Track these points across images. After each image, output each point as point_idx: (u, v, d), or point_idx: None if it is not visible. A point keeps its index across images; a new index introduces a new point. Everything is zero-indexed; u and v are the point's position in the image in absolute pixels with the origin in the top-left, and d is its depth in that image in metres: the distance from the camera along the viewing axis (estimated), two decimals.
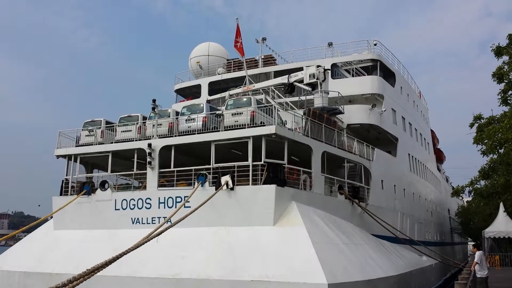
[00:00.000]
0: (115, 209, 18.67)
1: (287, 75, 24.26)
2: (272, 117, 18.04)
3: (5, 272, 18.62)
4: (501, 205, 29.98)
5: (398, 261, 20.16)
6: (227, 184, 16.44)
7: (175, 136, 18.83)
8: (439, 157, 49.70)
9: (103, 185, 19.48)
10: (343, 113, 23.82)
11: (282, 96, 25.54)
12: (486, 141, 16.62)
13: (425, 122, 39.97)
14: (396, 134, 28.02)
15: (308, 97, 24.04)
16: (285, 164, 17.02)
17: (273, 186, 16.03)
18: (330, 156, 19.57)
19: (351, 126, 24.80)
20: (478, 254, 16.25)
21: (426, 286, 24.29)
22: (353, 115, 24.80)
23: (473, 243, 21.10)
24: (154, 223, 17.26)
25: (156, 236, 12.02)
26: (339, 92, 24.12)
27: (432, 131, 44.33)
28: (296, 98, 24.88)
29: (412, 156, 31.38)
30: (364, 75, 27.88)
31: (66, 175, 21.02)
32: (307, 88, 23.73)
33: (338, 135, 21.00)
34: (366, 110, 25.19)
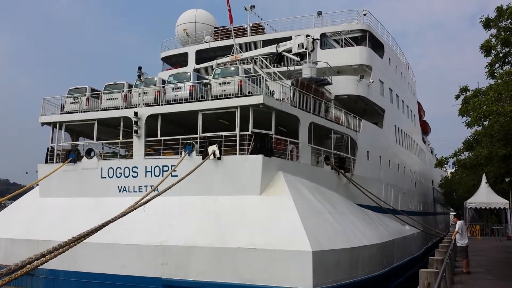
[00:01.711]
0: (101, 177, 18.63)
1: (275, 45, 23.98)
2: (260, 87, 17.93)
3: None
4: (484, 176, 30.62)
5: (381, 230, 20.61)
6: (214, 153, 16.46)
7: (162, 105, 18.65)
8: (425, 129, 50.23)
9: (89, 153, 19.35)
10: (331, 84, 23.76)
11: (270, 66, 25.34)
12: (471, 113, 16.74)
13: (412, 94, 40.15)
14: (383, 106, 28.13)
15: (297, 67, 23.88)
16: (272, 135, 17.05)
17: (260, 156, 16.09)
18: (317, 127, 19.63)
19: (338, 97, 24.79)
20: (459, 223, 16.68)
21: (408, 254, 24.95)
22: (341, 86, 24.75)
23: (455, 213, 21.59)
24: (141, 192, 17.28)
25: (143, 204, 12.09)
26: (327, 63, 23.97)
27: (418, 103, 44.60)
28: (284, 68, 24.70)
29: (398, 128, 31.64)
30: (353, 45, 27.69)
31: (51, 143, 20.81)
32: (295, 58, 23.53)
33: (326, 106, 21.02)
34: (354, 81, 25.14)
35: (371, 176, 24.30)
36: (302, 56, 22.94)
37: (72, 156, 19.48)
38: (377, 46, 29.12)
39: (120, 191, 18.15)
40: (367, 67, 26.68)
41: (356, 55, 26.65)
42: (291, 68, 24.36)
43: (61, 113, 20.94)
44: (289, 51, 23.29)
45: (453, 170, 54.69)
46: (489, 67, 17.10)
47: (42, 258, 7.51)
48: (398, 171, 30.67)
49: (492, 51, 16.53)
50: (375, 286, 17.15)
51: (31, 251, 15.42)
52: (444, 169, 55.65)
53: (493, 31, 16.37)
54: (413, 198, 34.84)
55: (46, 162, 20.52)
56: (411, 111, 37.91)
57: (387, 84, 29.67)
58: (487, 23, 16.31)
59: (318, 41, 24.25)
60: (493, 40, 16.36)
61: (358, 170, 22.50)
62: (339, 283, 14.50)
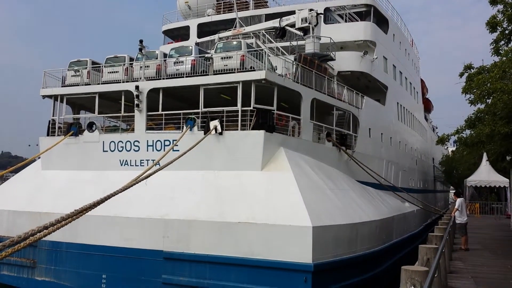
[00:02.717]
0: (103, 151, 18.66)
1: (278, 19, 23.64)
2: (262, 62, 17.75)
3: None
4: (485, 155, 30.67)
5: (381, 207, 20.74)
6: (215, 128, 16.43)
7: (163, 78, 18.52)
8: (427, 106, 50.01)
9: (90, 126, 19.32)
10: (334, 59, 23.52)
11: (273, 41, 25.05)
12: (474, 90, 16.60)
13: (415, 71, 39.80)
14: (386, 83, 27.91)
15: (300, 42, 23.61)
16: (274, 110, 16.97)
17: (262, 132, 16.06)
18: (320, 103, 19.53)
19: (341, 73, 24.58)
20: (458, 201, 16.79)
21: (408, 230, 25.18)
22: (344, 62, 24.51)
23: (455, 191, 21.67)
24: (143, 166, 17.35)
25: (145, 178, 12.10)
26: (331, 38, 23.68)
27: (422, 80, 44.26)
28: (287, 43, 24.43)
29: (401, 105, 31.49)
30: (357, 20, 27.30)
31: (53, 116, 20.77)
32: (298, 33, 23.24)
33: (328, 82, 20.85)
34: (357, 57, 24.88)
35: (372, 153, 24.31)
36: (305, 31, 22.65)
37: (73, 129, 19.46)
38: (382, 22, 28.73)
39: (121, 165, 18.20)
40: (371, 43, 26.36)
41: (360, 30, 26.30)
42: (294, 43, 24.09)
43: (62, 86, 20.82)
44: (292, 25, 22.98)
45: (454, 148, 54.73)
46: (494, 44, 16.87)
47: (45, 230, 7.54)
48: (400, 148, 30.67)
49: (498, 28, 16.27)
50: (374, 261, 17.37)
51: (33, 223, 15.61)
52: (446, 147, 55.70)
53: (500, 7, 16.07)
54: (414, 175, 34.94)
55: (48, 135, 20.51)
56: (414, 88, 37.65)
57: (391, 60, 29.38)
58: None
59: (322, 16, 23.90)
60: (500, 16, 16.08)
61: (360, 147, 22.49)
62: (339, 258, 14.67)
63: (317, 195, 15.74)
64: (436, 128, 62.47)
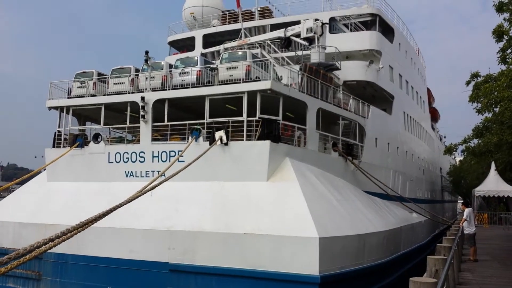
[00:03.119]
0: (109, 162, 18.65)
1: (283, 29, 23.74)
2: (267, 72, 17.75)
3: (0, 223, 18.79)
4: (493, 164, 30.36)
5: (389, 217, 20.53)
6: (221, 139, 16.39)
7: (169, 89, 18.55)
8: (434, 115, 49.79)
9: (96, 137, 19.34)
10: (340, 69, 23.50)
11: (278, 51, 25.09)
12: (482, 99, 16.48)
13: (422, 80, 39.69)
14: (393, 92, 27.83)
15: (305, 52, 23.64)
16: (279, 120, 16.92)
17: (267, 142, 15.99)
18: (325, 113, 19.46)
19: (347, 82, 24.55)
20: (467, 211, 16.57)
21: (415, 241, 24.90)
22: (350, 71, 24.48)
23: (463, 201, 21.44)
24: (148, 177, 17.30)
25: (151, 189, 12.05)
26: (336, 48, 23.69)
27: (428, 89, 44.12)
28: (292, 53, 24.46)
29: (407, 115, 31.35)
30: (362, 30, 27.31)
31: (59, 127, 20.84)
32: (304, 42, 23.28)
33: (334, 92, 20.81)
34: (363, 67, 24.85)
35: (379, 163, 24.15)
36: (310, 40, 22.71)
37: (79, 140, 19.50)
38: (387, 31, 28.73)
39: (127, 176, 18.18)
40: (377, 52, 26.34)
41: (365, 39, 26.29)
42: (299, 53, 24.11)
43: (68, 97, 20.92)
44: (298, 35, 23.05)
45: (462, 158, 54.34)
46: (501, 53, 16.76)
47: (51, 243, 7.51)
48: (407, 158, 30.48)
49: (505, 36, 16.18)
50: (382, 273, 17.14)
51: (39, 235, 15.63)
52: (453, 156, 55.32)
53: (506, 15, 16.00)
54: (421, 185, 34.67)
55: (54, 146, 20.56)
56: (420, 97, 37.52)
57: (397, 69, 29.32)
58: (500, 7, 15.91)
59: (327, 25, 23.98)
60: (506, 24, 15.99)
61: (366, 157, 22.35)
62: (346, 270, 14.48)
63: (323, 206, 15.60)
64: (445, 137, 62.19)
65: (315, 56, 22.32)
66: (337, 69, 23.34)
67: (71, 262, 16.61)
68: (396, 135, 28.13)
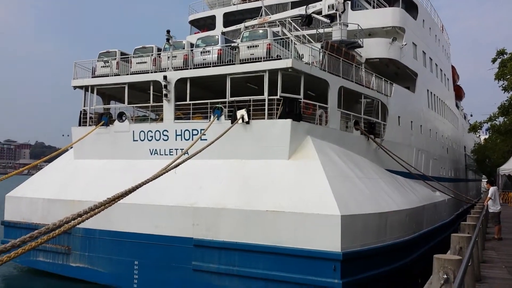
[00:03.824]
0: (133, 140, 19.00)
1: (304, 6, 23.37)
2: (288, 50, 17.64)
3: (29, 199, 19.44)
4: None
5: (411, 196, 20.45)
6: (242, 118, 16.48)
7: (190, 68, 18.65)
8: (458, 93, 48.71)
9: (120, 116, 19.68)
10: (362, 46, 23.13)
11: (299, 29, 24.81)
12: (508, 76, 16.11)
13: (446, 57, 38.77)
14: (416, 70, 27.33)
15: (326, 29, 23.30)
16: (301, 99, 16.88)
17: (289, 121, 16.02)
18: (347, 91, 19.30)
19: (369, 60, 24.18)
20: (491, 189, 16.38)
21: (438, 220, 24.77)
22: (372, 49, 24.09)
23: (487, 179, 21.11)
24: (172, 155, 17.60)
25: (175, 167, 12.28)
26: (358, 25, 23.28)
27: (452, 67, 43.12)
28: (313, 31, 24.14)
29: (431, 93, 30.81)
30: (385, 6, 26.72)
31: (84, 106, 21.25)
32: (325, 20, 22.92)
33: (356, 70, 20.57)
34: (386, 44, 24.41)
35: (401, 142, 23.93)
36: (332, 18, 22.32)
37: (104, 119, 19.88)
38: (411, 7, 28.05)
39: (151, 154, 18.51)
40: (400, 29, 25.80)
41: (388, 16, 25.75)
42: (321, 30, 23.78)
43: (92, 77, 21.24)
44: (319, 12, 22.69)
45: (486, 136, 53.28)
46: None
47: (79, 218, 7.77)
48: (430, 136, 30.08)
49: None
50: (404, 250, 17.19)
51: (67, 210, 16.08)
52: (478, 134, 54.30)
53: None
54: (445, 164, 34.25)
55: (80, 125, 21.02)
56: (444, 75, 36.72)
57: (420, 46, 28.71)
58: None
59: (349, 2, 23.50)
60: None
61: (389, 136, 22.17)
62: (367, 247, 14.58)
63: (345, 184, 15.64)
64: (471, 116, 60.97)
65: (336, 33, 21.98)
66: (359, 46, 22.99)
67: (99, 237, 17.16)
68: (419, 113, 27.73)
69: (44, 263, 18.68)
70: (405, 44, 25.35)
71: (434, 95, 31.65)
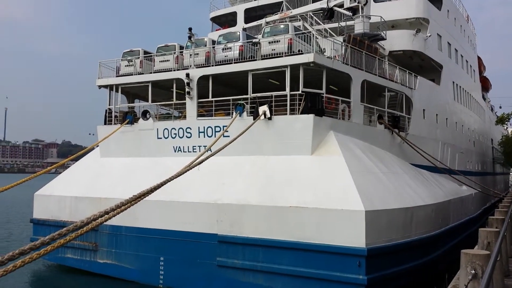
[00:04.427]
0: (157, 138, 19.24)
1: (326, 0, 23.18)
2: (310, 44, 17.54)
3: (57, 197, 19.91)
4: None
5: (437, 190, 20.11)
6: (264, 114, 16.48)
7: (212, 65, 18.74)
8: (485, 85, 47.56)
9: (144, 114, 19.95)
10: (385, 39, 22.81)
11: (321, 23, 24.62)
12: None
13: (471, 48, 37.88)
14: (441, 61, 26.80)
15: (349, 22, 23.05)
16: (323, 94, 16.77)
17: (311, 116, 15.94)
18: (370, 85, 19.08)
19: (393, 53, 23.84)
20: None
21: (465, 215, 24.30)
22: (396, 41, 23.73)
23: None
24: (195, 152, 17.75)
25: (198, 164, 12.38)
26: (381, 17, 22.96)
27: (478, 57, 42.11)
28: (335, 24, 23.92)
29: (457, 85, 30.17)
30: None
31: (109, 105, 21.61)
32: (347, 13, 22.70)
33: (379, 63, 20.30)
34: (409, 36, 24.00)
35: (426, 135, 23.54)
36: (354, 10, 22.08)
37: (129, 117, 20.18)
38: None
39: (175, 151, 18.72)
40: (424, 20, 25.32)
41: (412, 7, 25.27)
42: (343, 23, 23.54)
43: (116, 76, 21.56)
44: (341, 5, 22.48)
45: None
46: None
47: (106, 215, 7.90)
48: (456, 129, 29.49)
49: None
50: (430, 246, 16.95)
51: (94, 208, 16.51)
52: (505, 127, 52.97)
53: None
54: (471, 157, 33.54)
55: (105, 123, 21.39)
56: (470, 66, 35.90)
57: (445, 38, 28.12)
58: None
59: None
60: None
61: (413, 129, 21.83)
62: (392, 243, 14.43)
63: (369, 179, 15.49)
64: (500, 108, 59.51)
65: (359, 26, 21.74)
66: (382, 39, 22.68)
67: (125, 234, 17.46)
68: (445, 106, 27.21)
69: (72, 259, 19.12)
70: (430, 36, 24.88)
71: (460, 87, 30.99)
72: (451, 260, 15.47)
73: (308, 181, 15.04)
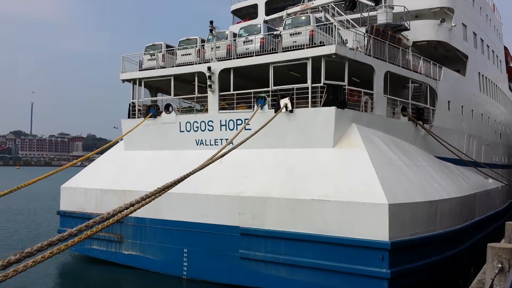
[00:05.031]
0: (180, 131, 19.43)
1: None
2: (332, 36, 17.37)
3: (83, 190, 20.34)
4: None
5: (462, 183, 19.78)
6: (286, 106, 16.44)
7: (233, 58, 18.75)
8: None
9: (167, 108, 20.14)
10: (409, 29, 22.43)
11: (343, 13, 24.35)
12: None
13: (498, 38, 36.90)
14: (466, 52, 26.22)
15: (371, 13, 22.74)
16: (345, 86, 16.62)
17: (333, 108, 15.83)
18: (394, 76, 18.81)
19: (417, 43, 23.43)
20: None
21: (492, 208, 23.84)
22: (420, 31, 23.31)
23: None
24: (217, 145, 17.86)
25: (220, 157, 12.45)
26: (404, 7, 22.57)
27: (505, 47, 41.03)
28: (358, 15, 23.62)
29: (483, 75, 29.48)
30: None
31: (132, 99, 21.88)
32: (370, 3, 22.40)
33: (403, 54, 19.99)
34: (434, 26, 23.55)
35: (452, 127, 23.13)
36: (377, 0, 21.76)
37: (152, 111, 20.42)
38: None
39: (197, 144, 18.87)
40: (449, 10, 24.79)
41: None
42: (365, 14, 23.24)
43: (139, 70, 21.80)
44: None
45: None
46: None
47: (131, 207, 8.02)
48: (482, 121, 28.88)
49: None
50: (455, 239, 16.71)
51: (119, 200, 16.81)
52: None
53: None
54: (498, 150, 32.81)
55: (129, 117, 21.69)
56: (496, 56, 35.00)
57: (471, 27, 27.47)
58: None
59: None
60: None
61: (438, 121, 21.47)
62: (416, 236, 14.27)
63: (392, 172, 15.33)
64: None
65: (382, 16, 21.43)
66: (406, 29, 22.30)
67: (149, 226, 17.74)
68: (470, 98, 26.65)
69: (98, 251, 19.54)
70: (455, 25, 24.35)
71: (486, 78, 30.28)
72: (478, 254, 15.24)
73: (330, 174, 14.98)
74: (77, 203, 20.37)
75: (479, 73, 28.69)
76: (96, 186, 19.95)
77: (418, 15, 24.48)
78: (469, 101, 26.16)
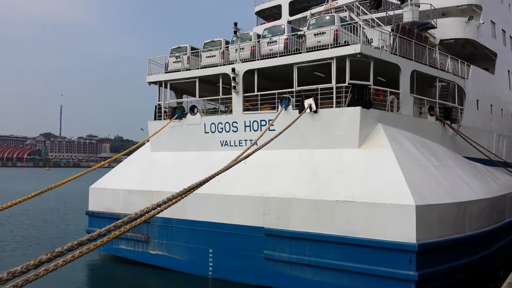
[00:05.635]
0: (205, 132, 19.59)
1: None
2: (356, 35, 17.21)
3: (111, 190, 20.72)
4: None
5: (492, 184, 19.28)
6: (310, 107, 16.38)
7: (257, 59, 18.80)
8: None
9: (192, 109, 20.35)
10: (436, 27, 22.04)
11: (368, 12, 24.09)
12: None
13: None
14: (495, 49, 25.60)
15: (397, 11, 22.44)
16: (370, 85, 16.45)
17: (358, 108, 15.69)
18: (420, 75, 18.52)
19: (444, 41, 23.00)
20: None
21: None
22: (447, 29, 22.87)
23: None
24: (241, 146, 17.93)
25: (245, 158, 12.50)
26: (431, 5, 22.19)
27: None
28: (383, 14, 23.34)
29: None
30: None
31: (158, 101, 22.19)
32: (395, 1, 22.11)
33: (430, 52, 19.65)
34: (461, 23, 23.07)
35: (480, 127, 22.61)
36: None
37: (177, 112, 20.66)
38: None
39: (222, 145, 18.99)
40: (477, 7, 24.24)
41: None
42: (391, 12, 22.94)
43: (165, 72, 22.08)
44: None
45: None
46: None
47: (158, 208, 8.16)
48: None
49: None
50: (484, 242, 16.31)
51: (146, 201, 17.06)
52: None
53: None
54: None
55: (155, 119, 22.00)
56: None
57: (500, 24, 26.81)
58: None
59: None
60: None
61: (466, 121, 21.02)
62: (444, 239, 14.00)
63: (419, 173, 15.08)
64: None
65: (408, 15, 21.13)
66: (433, 27, 21.92)
67: (175, 226, 17.95)
68: (500, 96, 25.99)
69: (125, 250, 19.87)
70: (483, 23, 23.82)
71: None
72: (508, 257, 14.86)
73: (356, 175, 14.84)
74: (105, 204, 20.76)
75: (508, 71, 27.97)
76: (124, 187, 20.29)
77: (445, 12, 24.04)
78: (498, 100, 25.53)
